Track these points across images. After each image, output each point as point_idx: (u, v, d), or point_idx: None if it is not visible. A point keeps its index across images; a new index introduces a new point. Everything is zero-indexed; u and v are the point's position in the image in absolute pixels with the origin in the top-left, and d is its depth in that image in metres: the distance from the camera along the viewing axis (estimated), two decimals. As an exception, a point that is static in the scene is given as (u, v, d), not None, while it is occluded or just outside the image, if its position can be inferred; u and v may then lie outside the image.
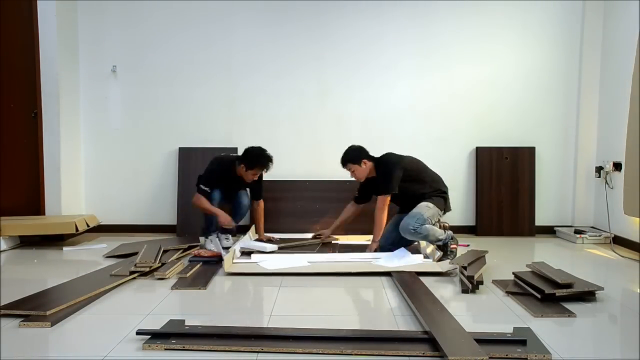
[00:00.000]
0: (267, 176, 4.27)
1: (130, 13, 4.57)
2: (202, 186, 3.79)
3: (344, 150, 3.70)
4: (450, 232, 3.52)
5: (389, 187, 3.54)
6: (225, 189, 3.91)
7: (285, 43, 4.57)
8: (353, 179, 4.51)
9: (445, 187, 3.68)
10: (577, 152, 4.54)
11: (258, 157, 3.80)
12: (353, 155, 3.65)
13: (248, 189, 4.09)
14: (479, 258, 3.13)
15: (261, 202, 4.09)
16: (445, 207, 3.60)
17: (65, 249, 3.91)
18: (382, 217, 3.56)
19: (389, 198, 3.57)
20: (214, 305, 2.58)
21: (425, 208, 3.48)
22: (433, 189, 3.59)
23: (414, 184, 3.58)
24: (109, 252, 3.71)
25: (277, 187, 4.45)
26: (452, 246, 3.48)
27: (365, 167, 3.64)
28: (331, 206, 4.48)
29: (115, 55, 4.59)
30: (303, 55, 4.58)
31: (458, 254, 3.40)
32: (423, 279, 2.93)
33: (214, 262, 3.36)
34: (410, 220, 3.42)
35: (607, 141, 4.32)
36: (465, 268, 2.91)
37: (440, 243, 3.48)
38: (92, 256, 3.68)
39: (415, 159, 3.73)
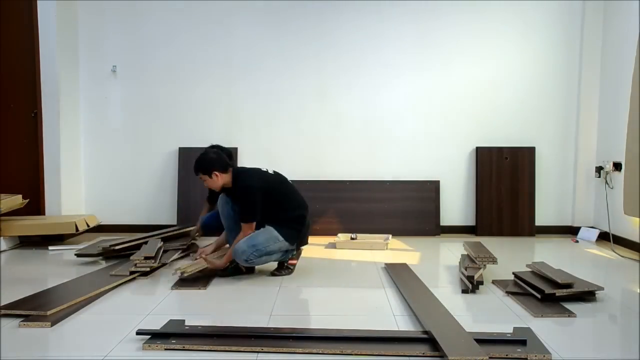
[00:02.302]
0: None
1: (130, 13, 4.56)
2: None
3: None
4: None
5: (253, 215, 2.99)
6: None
7: (285, 42, 4.57)
8: (352, 179, 4.54)
9: (307, 210, 3.18)
10: (577, 152, 4.54)
11: None
12: (205, 165, 3.04)
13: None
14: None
15: (243, 226, 3.05)
16: (297, 240, 3.13)
17: (50, 247, 3.91)
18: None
19: (254, 226, 3.02)
20: (214, 305, 2.58)
21: (273, 239, 2.99)
22: (290, 218, 3.08)
23: (272, 207, 3.06)
24: (81, 250, 3.63)
25: (277, 187, 4.45)
26: (290, 262, 3.21)
27: (217, 179, 3.04)
28: (331, 206, 4.49)
29: (115, 55, 4.59)
30: (303, 54, 4.57)
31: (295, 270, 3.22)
32: (423, 278, 2.93)
33: None
34: (250, 247, 2.92)
35: (607, 141, 4.32)
36: (466, 268, 2.91)
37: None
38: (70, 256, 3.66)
39: (281, 177, 3.23)
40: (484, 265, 2.90)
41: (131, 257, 3.15)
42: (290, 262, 3.21)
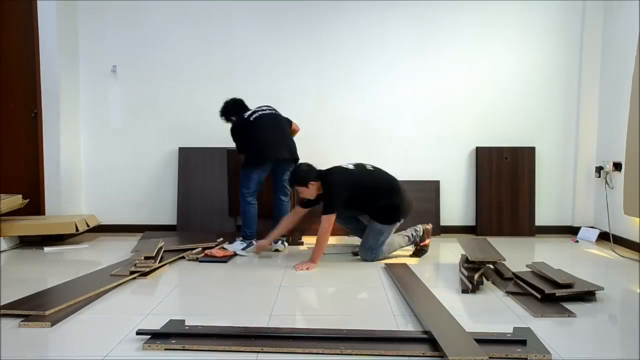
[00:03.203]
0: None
1: (130, 13, 4.57)
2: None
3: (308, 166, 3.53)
4: (414, 232, 3.63)
5: (332, 206, 3.36)
6: None
7: (286, 43, 4.57)
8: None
9: (396, 190, 3.51)
10: (577, 152, 4.54)
11: None
12: (300, 177, 3.43)
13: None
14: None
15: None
16: (398, 216, 3.51)
17: (46, 249, 3.89)
18: (325, 238, 3.35)
19: (333, 217, 3.37)
20: (214, 305, 2.58)
21: (378, 234, 3.47)
22: (381, 205, 3.46)
23: (363, 199, 3.45)
24: (135, 248, 3.78)
25: (277, 187, 4.44)
26: (422, 244, 3.64)
27: (313, 188, 3.42)
28: (331, 206, 4.48)
29: (115, 55, 4.59)
30: (303, 55, 4.57)
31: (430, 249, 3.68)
32: (423, 278, 2.93)
33: (224, 261, 3.44)
34: (367, 254, 3.47)
35: (607, 141, 4.32)
36: (466, 269, 2.91)
37: (407, 246, 3.64)
38: (75, 256, 3.72)
39: (364, 170, 3.53)
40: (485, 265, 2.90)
41: (131, 257, 3.15)
42: (422, 244, 3.62)
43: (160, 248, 3.41)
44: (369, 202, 3.48)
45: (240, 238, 3.81)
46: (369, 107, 4.59)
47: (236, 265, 3.40)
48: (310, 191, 3.44)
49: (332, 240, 4.00)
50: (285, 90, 4.58)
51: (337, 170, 3.49)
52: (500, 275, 2.91)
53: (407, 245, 3.64)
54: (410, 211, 3.62)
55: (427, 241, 3.65)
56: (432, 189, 4.50)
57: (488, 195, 4.52)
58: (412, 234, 3.63)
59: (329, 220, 3.35)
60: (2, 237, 3.84)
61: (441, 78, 4.56)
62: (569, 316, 2.35)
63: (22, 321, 2.22)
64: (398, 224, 3.55)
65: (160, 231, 4.48)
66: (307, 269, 3.25)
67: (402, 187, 3.57)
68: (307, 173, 3.43)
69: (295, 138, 4.59)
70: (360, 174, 3.49)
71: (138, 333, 2.06)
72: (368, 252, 3.48)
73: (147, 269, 3.04)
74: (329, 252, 3.74)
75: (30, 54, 4.29)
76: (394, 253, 3.61)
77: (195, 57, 4.59)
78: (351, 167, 3.53)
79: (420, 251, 3.63)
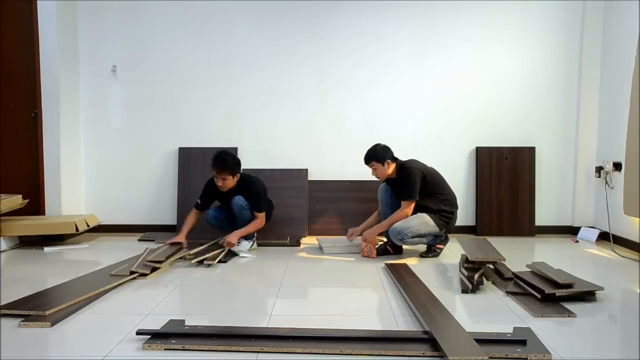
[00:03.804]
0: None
1: (130, 13, 4.56)
2: (198, 201, 3.84)
3: (368, 147, 3.72)
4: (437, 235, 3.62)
5: (414, 193, 3.52)
6: (221, 201, 3.90)
7: (285, 42, 4.57)
8: (352, 179, 4.53)
9: (456, 207, 3.71)
10: (577, 152, 4.54)
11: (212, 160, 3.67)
12: (379, 154, 3.62)
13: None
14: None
15: (259, 215, 3.75)
16: (446, 228, 3.62)
17: (46, 249, 3.88)
18: (398, 218, 3.53)
19: (413, 205, 3.53)
20: (214, 305, 2.58)
21: (424, 224, 3.51)
22: (441, 209, 3.59)
23: (426, 197, 3.57)
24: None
25: (277, 187, 4.45)
26: (437, 246, 3.64)
27: (387, 167, 3.62)
28: (331, 206, 4.49)
29: (115, 55, 4.59)
30: (303, 54, 4.57)
31: (442, 254, 3.65)
32: (423, 278, 2.93)
33: (224, 261, 3.43)
34: (404, 229, 3.45)
35: (607, 141, 4.32)
36: (466, 269, 2.91)
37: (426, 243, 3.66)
38: (75, 256, 3.73)
39: (437, 172, 3.72)
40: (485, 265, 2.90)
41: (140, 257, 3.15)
42: (437, 246, 3.63)
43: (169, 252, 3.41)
44: (432, 200, 3.57)
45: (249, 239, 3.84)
46: (369, 107, 4.58)
47: (236, 265, 3.40)
48: (385, 170, 3.61)
49: (332, 240, 3.99)
50: (285, 88, 4.58)
51: (415, 160, 3.70)
52: (500, 275, 2.91)
53: (426, 243, 3.64)
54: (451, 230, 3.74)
55: (441, 245, 3.66)
56: (432, 189, 4.50)
57: (488, 195, 4.52)
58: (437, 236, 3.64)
59: (410, 207, 3.52)
60: (2, 237, 3.85)
61: (441, 78, 4.56)
62: (569, 316, 2.35)
63: (22, 321, 2.22)
64: (439, 231, 3.58)
65: (160, 231, 4.49)
66: (370, 250, 3.58)
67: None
68: (385, 151, 3.64)
69: (295, 136, 4.61)
70: (434, 171, 3.70)
71: (138, 333, 2.06)
72: (406, 229, 3.44)
73: (147, 271, 3.04)
74: (330, 252, 3.74)
75: (30, 54, 4.29)
76: (409, 247, 3.76)
77: (195, 57, 4.58)
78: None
79: (431, 252, 3.62)
